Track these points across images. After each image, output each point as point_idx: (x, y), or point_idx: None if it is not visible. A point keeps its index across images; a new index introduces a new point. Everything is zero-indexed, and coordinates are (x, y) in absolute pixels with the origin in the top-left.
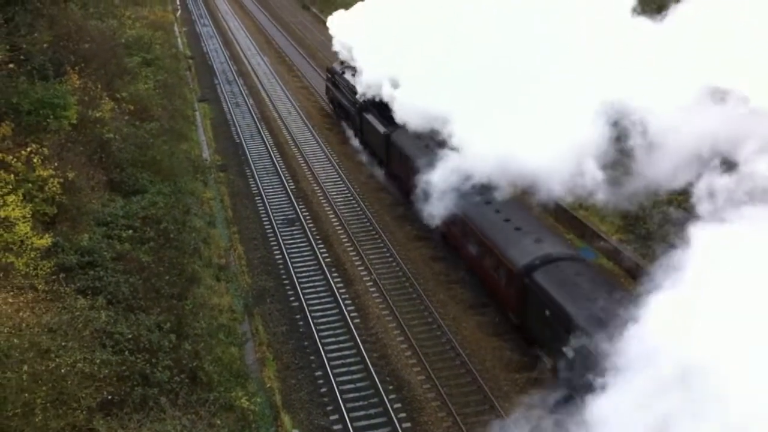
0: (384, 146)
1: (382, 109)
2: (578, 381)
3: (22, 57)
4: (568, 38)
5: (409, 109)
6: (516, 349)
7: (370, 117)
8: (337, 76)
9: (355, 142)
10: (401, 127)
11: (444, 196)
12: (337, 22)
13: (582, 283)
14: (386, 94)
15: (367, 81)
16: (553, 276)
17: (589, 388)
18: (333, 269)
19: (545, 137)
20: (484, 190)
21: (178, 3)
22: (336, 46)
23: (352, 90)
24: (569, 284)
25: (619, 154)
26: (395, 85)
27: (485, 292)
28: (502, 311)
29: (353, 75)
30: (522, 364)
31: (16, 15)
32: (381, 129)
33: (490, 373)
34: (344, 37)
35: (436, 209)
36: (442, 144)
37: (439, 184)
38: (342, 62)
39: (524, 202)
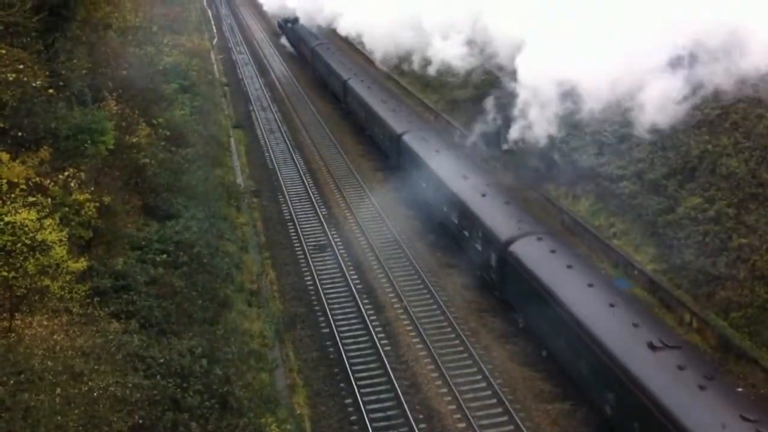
0: (294, 35)
1: (294, 22)
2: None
3: (61, 83)
4: None
5: None
6: (548, 380)
7: (288, 26)
8: (281, 20)
9: (286, 42)
10: (299, 25)
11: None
12: None
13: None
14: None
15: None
16: (357, 83)
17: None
18: (364, 296)
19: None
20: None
21: (215, 31)
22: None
23: (287, 21)
24: (364, 89)
25: None
26: None
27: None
28: (337, 99)
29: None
30: (554, 395)
31: (56, 42)
32: (290, 26)
33: (521, 404)
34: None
35: (304, 48)
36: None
37: (309, 39)
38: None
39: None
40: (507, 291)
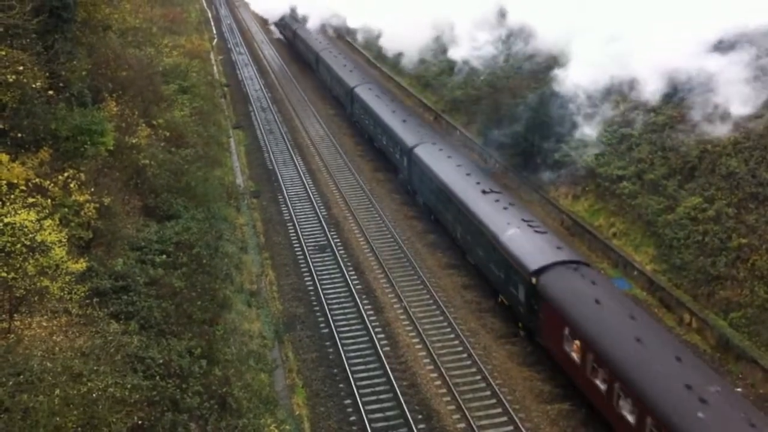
0: (281, 21)
1: (289, 19)
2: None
3: (61, 84)
4: None
5: None
6: (547, 380)
7: (283, 21)
8: (279, 20)
9: (278, 34)
10: (288, 18)
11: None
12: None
13: (336, 56)
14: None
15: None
16: (329, 55)
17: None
18: (363, 296)
19: None
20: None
21: (214, 32)
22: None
23: (282, 19)
24: (332, 58)
25: None
26: None
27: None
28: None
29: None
30: (553, 395)
31: (56, 43)
32: (280, 21)
33: (520, 404)
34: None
35: (288, 32)
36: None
37: (291, 23)
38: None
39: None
40: (413, 181)
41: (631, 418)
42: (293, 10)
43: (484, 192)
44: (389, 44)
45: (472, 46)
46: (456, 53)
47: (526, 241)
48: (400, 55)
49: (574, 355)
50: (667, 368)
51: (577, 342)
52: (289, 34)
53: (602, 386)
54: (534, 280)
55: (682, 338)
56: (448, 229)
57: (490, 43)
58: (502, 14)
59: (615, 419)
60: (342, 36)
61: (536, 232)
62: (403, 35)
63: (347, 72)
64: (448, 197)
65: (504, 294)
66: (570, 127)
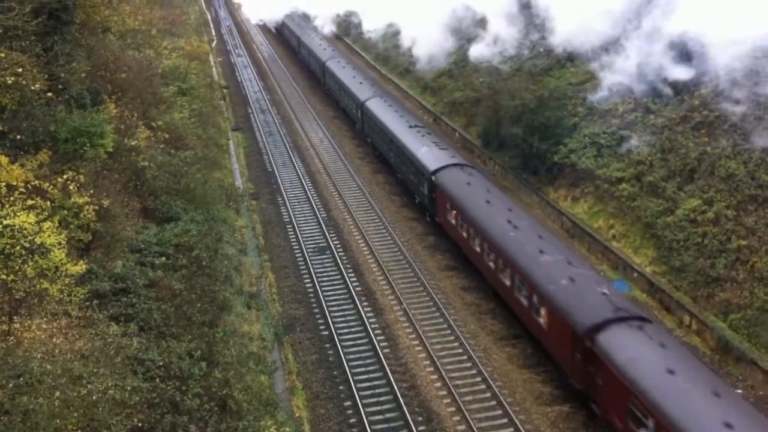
0: (283, 28)
1: (288, 21)
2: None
3: (60, 86)
4: None
5: None
6: (548, 382)
7: (282, 22)
8: (282, 23)
9: (273, 29)
10: (288, 21)
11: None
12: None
13: (313, 38)
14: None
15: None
16: (308, 38)
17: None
18: (363, 298)
19: None
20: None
21: (213, 34)
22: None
23: (283, 22)
24: (310, 40)
25: None
26: None
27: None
28: (295, 52)
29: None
30: (554, 397)
31: (56, 45)
32: (280, 20)
33: (520, 406)
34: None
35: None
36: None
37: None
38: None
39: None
40: (364, 127)
41: (478, 249)
42: (292, 13)
43: (410, 126)
44: (410, 46)
45: (495, 44)
46: (476, 50)
47: (432, 155)
48: (419, 59)
49: (453, 221)
50: (500, 216)
51: (454, 211)
52: (278, 25)
53: (465, 234)
54: (433, 177)
55: (683, 339)
56: (386, 158)
57: (516, 39)
58: (525, 7)
59: (472, 254)
60: (341, 37)
61: (440, 149)
62: (428, 36)
63: (321, 50)
64: (386, 133)
65: (417, 193)
66: (613, 141)
